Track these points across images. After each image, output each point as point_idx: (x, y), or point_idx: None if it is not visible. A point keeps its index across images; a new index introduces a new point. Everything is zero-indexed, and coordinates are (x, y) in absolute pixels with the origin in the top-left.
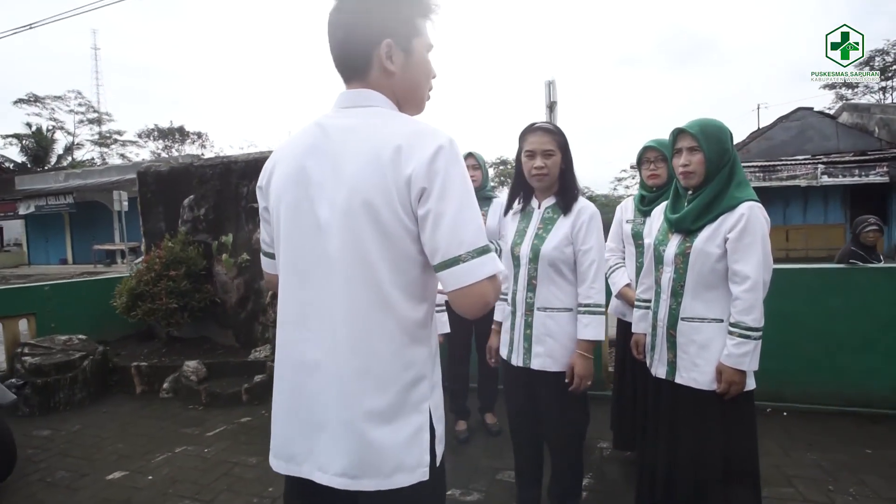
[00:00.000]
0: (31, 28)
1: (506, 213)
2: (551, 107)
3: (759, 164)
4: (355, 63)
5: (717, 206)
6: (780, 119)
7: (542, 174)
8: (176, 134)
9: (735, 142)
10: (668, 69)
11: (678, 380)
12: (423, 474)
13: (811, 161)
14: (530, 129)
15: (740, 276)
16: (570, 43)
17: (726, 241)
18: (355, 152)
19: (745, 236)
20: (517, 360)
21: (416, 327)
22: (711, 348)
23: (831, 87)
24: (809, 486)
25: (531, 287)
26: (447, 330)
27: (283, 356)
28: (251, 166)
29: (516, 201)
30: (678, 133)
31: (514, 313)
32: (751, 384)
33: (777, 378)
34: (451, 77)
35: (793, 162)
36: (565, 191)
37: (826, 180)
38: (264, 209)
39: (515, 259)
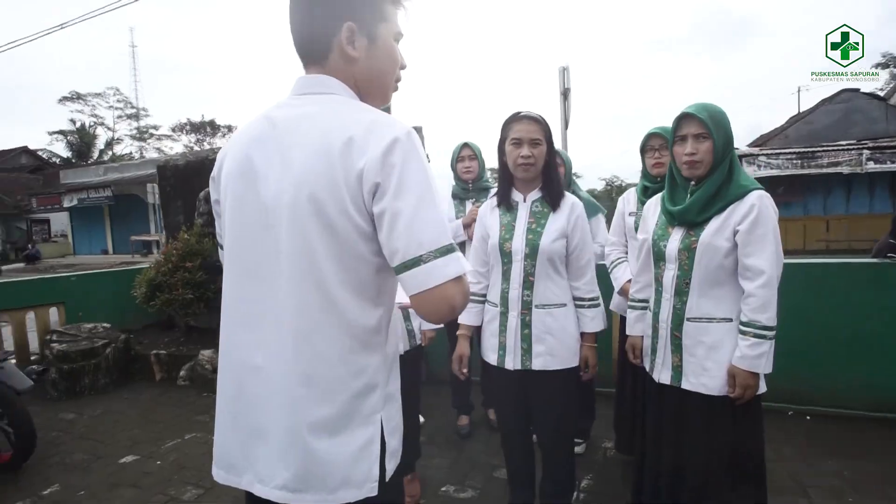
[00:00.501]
0: (62, 28)
1: (499, 205)
2: (565, 94)
3: (798, 150)
4: (314, 47)
5: (723, 196)
6: (823, 102)
7: (528, 163)
8: (207, 128)
9: (773, 127)
10: (703, 52)
11: (685, 385)
12: (371, 490)
13: (856, 146)
14: (516, 118)
15: (753, 271)
16: (598, 27)
17: (736, 233)
18: (304, 143)
19: (756, 228)
20: (513, 364)
21: (369, 333)
22: (721, 350)
23: (884, 66)
24: (826, 497)
25: (528, 284)
26: (440, 325)
27: (225, 359)
28: None
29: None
30: (683, 118)
31: (504, 313)
32: (762, 387)
33: (801, 379)
34: (471, 64)
35: (835, 147)
36: (551, 184)
37: (872, 167)
38: (216, 202)
39: (506, 255)
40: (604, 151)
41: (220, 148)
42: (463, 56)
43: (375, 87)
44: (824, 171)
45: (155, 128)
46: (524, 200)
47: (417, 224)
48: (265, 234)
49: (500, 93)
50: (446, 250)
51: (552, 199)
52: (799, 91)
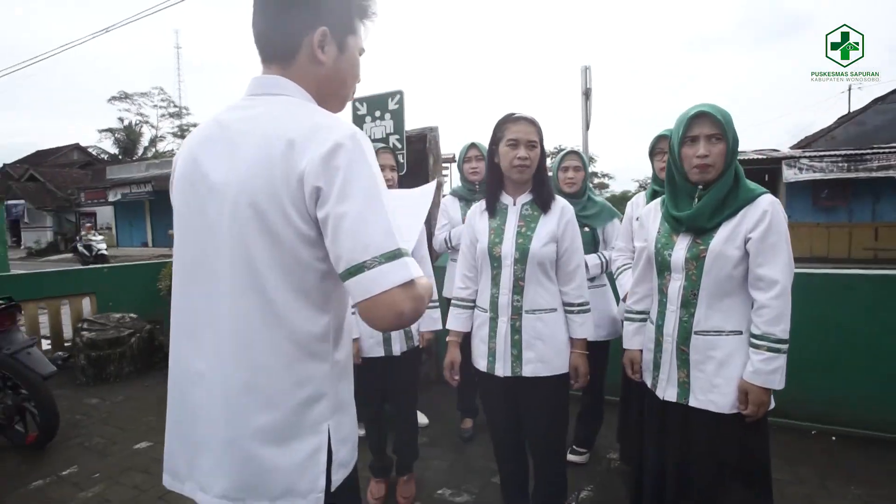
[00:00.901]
0: (107, 32)
1: (487, 208)
2: (587, 94)
3: (844, 152)
4: (281, 44)
5: (733, 200)
6: (876, 101)
7: (524, 165)
8: None
9: (820, 127)
10: (746, 50)
11: (693, 403)
12: (316, 500)
13: None
14: (512, 119)
15: (766, 282)
16: (636, 26)
17: (747, 241)
18: (248, 146)
19: (769, 235)
20: (503, 370)
21: (314, 340)
22: (732, 365)
23: None
24: None
25: (518, 289)
26: (438, 327)
27: (173, 365)
28: None
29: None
30: (696, 117)
31: (494, 319)
32: (771, 403)
33: (828, 398)
34: (490, 65)
35: (887, 150)
36: (542, 187)
37: None
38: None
39: (495, 259)
40: (638, 153)
41: None
42: (482, 56)
43: (336, 93)
44: (874, 174)
45: (195, 125)
46: (514, 203)
47: (362, 228)
48: (208, 238)
49: (520, 94)
50: (393, 255)
51: (542, 202)
52: (850, 90)
